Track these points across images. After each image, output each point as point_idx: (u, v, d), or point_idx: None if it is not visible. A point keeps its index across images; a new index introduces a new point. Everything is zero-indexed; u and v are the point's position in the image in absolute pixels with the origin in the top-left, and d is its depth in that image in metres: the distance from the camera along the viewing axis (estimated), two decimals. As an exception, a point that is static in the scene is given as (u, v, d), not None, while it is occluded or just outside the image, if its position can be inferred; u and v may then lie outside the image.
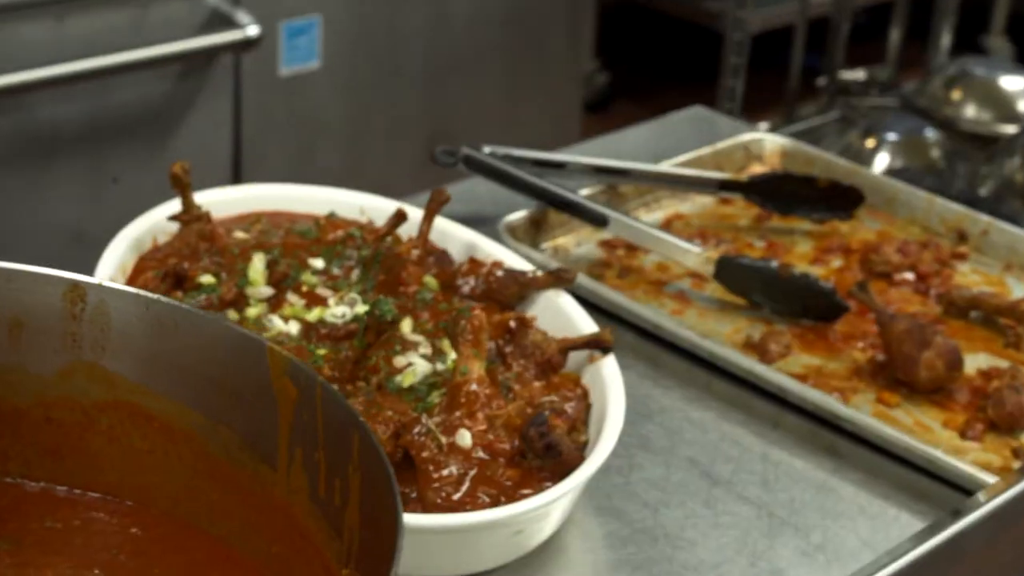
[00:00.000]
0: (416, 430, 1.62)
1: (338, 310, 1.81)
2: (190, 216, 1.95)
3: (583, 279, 2.07)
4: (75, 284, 1.32)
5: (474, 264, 1.95)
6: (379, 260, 1.84)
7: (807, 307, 2.09)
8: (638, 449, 1.83)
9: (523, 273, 1.91)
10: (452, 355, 1.78)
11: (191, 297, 1.83)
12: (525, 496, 1.60)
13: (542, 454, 1.62)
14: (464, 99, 3.91)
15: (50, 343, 1.33)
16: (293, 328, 1.80)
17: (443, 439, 1.62)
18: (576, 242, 2.26)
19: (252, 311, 1.83)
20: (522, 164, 2.29)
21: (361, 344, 1.71)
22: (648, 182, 2.35)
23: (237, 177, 3.53)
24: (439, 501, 1.58)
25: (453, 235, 2.01)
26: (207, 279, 1.84)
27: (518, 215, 2.21)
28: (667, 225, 2.34)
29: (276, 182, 2.12)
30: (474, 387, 1.68)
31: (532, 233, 2.22)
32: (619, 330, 2.01)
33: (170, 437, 1.33)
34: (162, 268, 1.86)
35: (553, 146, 2.54)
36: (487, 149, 2.27)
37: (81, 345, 1.33)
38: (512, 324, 1.80)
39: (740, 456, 1.84)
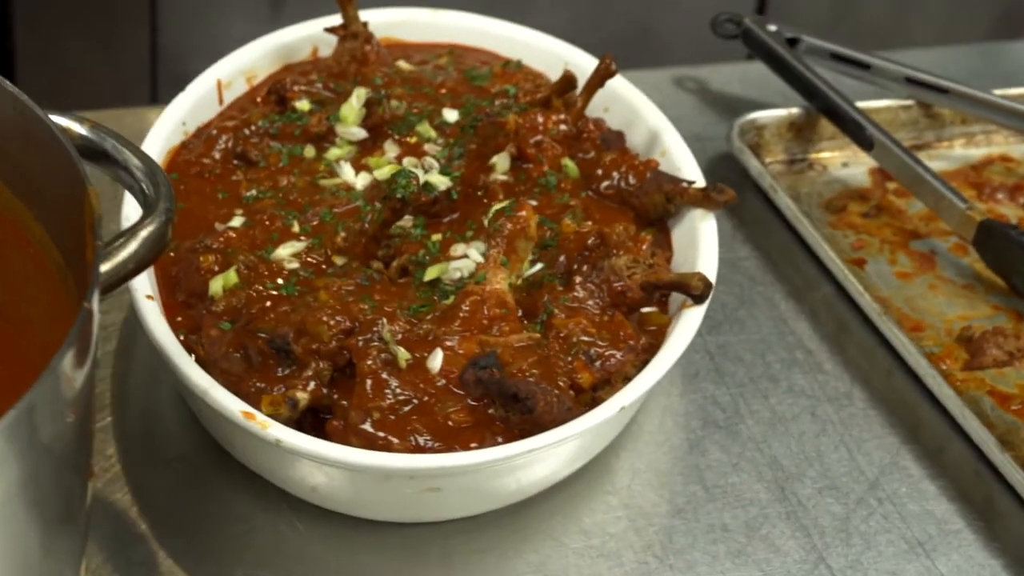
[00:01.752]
0: (367, 336, 1.33)
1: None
2: (347, 31, 1.71)
3: (783, 199, 1.67)
4: None
5: (624, 157, 1.59)
6: (474, 126, 1.52)
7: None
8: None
9: (674, 181, 1.54)
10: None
11: (284, 119, 1.60)
12: (462, 448, 1.29)
13: (506, 404, 1.30)
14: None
15: None
16: (362, 181, 1.54)
17: (404, 354, 1.33)
18: (843, 161, 1.83)
19: (334, 152, 1.58)
20: (814, 54, 1.87)
21: (378, 218, 1.42)
22: (970, 108, 1.85)
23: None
24: (363, 425, 1.30)
25: (642, 117, 1.66)
26: (303, 105, 1.61)
27: (770, 114, 1.82)
28: (982, 167, 1.85)
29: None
30: (480, 301, 1.37)
31: (786, 139, 1.82)
32: (799, 277, 1.62)
33: None
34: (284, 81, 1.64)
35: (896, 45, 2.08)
36: (772, 27, 1.87)
37: None
38: (591, 241, 1.45)
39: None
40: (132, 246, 1.21)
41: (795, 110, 1.82)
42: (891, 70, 1.87)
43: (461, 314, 1.37)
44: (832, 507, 1.40)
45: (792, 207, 1.67)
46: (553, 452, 1.33)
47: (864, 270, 1.66)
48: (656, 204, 1.55)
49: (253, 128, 1.59)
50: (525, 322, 1.41)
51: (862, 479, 1.42)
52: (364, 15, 1.77)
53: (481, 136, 1.51)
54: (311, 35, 1.74)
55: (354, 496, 1.33)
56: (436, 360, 1.33)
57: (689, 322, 1.40)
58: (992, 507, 1.42)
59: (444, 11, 1.81)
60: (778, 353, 1.55)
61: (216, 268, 1.43)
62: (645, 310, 1.45)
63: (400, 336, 1.35)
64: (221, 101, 1.66)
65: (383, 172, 1.53)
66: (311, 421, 1.33)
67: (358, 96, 1.59)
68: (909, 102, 1.86)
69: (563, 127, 1.61)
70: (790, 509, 1.39)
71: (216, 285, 1.41)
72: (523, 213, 1.41)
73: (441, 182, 1.51)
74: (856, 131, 1.75)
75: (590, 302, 1.42)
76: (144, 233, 1.23)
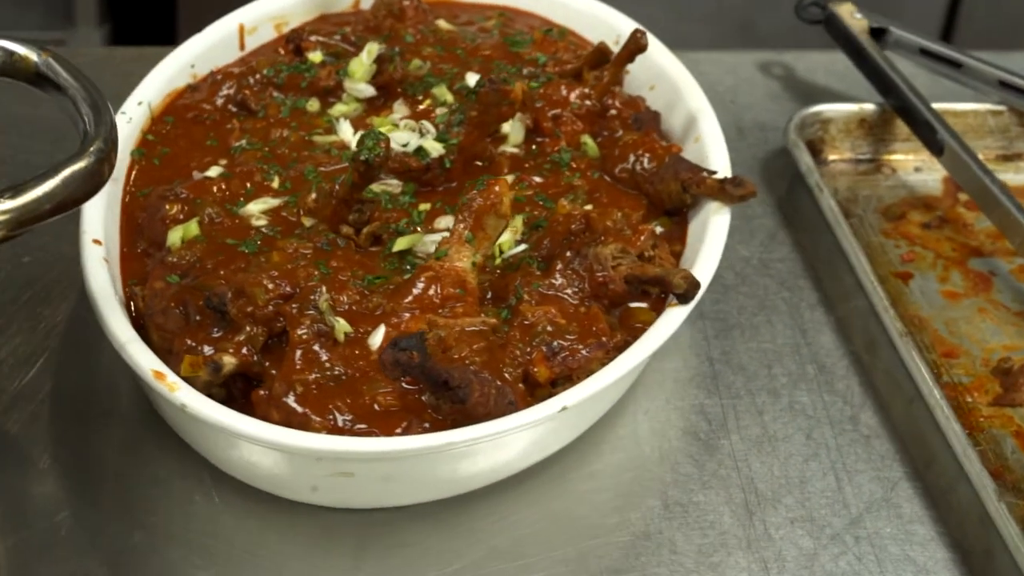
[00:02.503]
0: (305, 304, 1.25)
1: (403, 136, 1.43)
2: (386, -17, 1.63)
3: (826, 200, 1.53)
4: None
5: (644, 139, 1.48)
6: (476, 92, 1.42)
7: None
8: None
9: (693, 169, 1.42)
10: (503, 239, 1.36)
11: (292, 69, 1.53)
12: (385, 433, 1.20)
13: (436, 391, 1.20)
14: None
15: None
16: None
17: (344, 327, 1.24)
18: (916, 166, 1.68)
19: (339, 108, 1.50)
20: (901, 48, 1.72)
21: (348, 181, 1.34)
22: (1064, 118, 1.68)
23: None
24: (286, 398, 1.22)
25: (684, 99, 1.54)
26: (315, 56, 1.53)
27: (838, 108, 1.67)
28: (1066, 184, 1.68)
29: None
30: (435, 278, 1.28)
31: (854, 136, 1.68)
32: (834, 286, 1.49)
33: None
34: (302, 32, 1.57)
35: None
36: (858, 15, 1.72)
37: None
38: (574, 225, 1.34)
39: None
40: (49, 184, 1.15)
41: (868, 106, 1.67)
42: (984, 71, 1.70)
43: (414, 290, 1.27)
44: (802, 540, 1.26)
45: (834, 209, 1.53)
46: (485, 447, 1.22)
47: (908, 285, 1.51)
48: (671, 192, 1.43)
49: (258, 77, 1.51)
50: (490, 306, 1.31)
51: (844, 513, 1.29)
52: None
53: (483, 103, 1.41)
54: (354, -14, 1.66)
55: (266, 473, 1.24)
56: (377, 337, 1.24)
57: (667, 323, 1.29)
58: (991, 562, 1.26)
59: (498, -28, 1.71)
60: (787, 366, 1.42)
61: (181, 217, 1.36)
62: (634, 305, 1.33)
63: (347, 308, 1.26)
64: (243, 47, 1.59)
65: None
66: (242, 388, 1.25)
67: (369, 51, 1.50)
68: (1001, 107, 1.70)
69: (588, 103, 1.50)
70: (753, 538, 1.26)
71: (175, 235, 1.34)
72: (496, 188, 1.31)
73: (434, 149, 1.41)
74: (927, 133, 1.59)
75: (568, 290, 1.31)
76: (67, 172, 1.16)
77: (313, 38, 1.55)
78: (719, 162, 1.45)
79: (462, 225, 1.31)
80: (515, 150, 1.47)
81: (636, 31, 1.49)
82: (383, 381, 1.22)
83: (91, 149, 1.19)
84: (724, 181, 1.40)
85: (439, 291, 1.27)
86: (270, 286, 1.26)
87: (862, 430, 1.36)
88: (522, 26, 1.66)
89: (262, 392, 1.23)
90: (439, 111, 1.49)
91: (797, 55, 1.85)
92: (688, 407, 1.37)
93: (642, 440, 1.34)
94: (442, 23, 1.64)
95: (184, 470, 1.27)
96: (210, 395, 1.22)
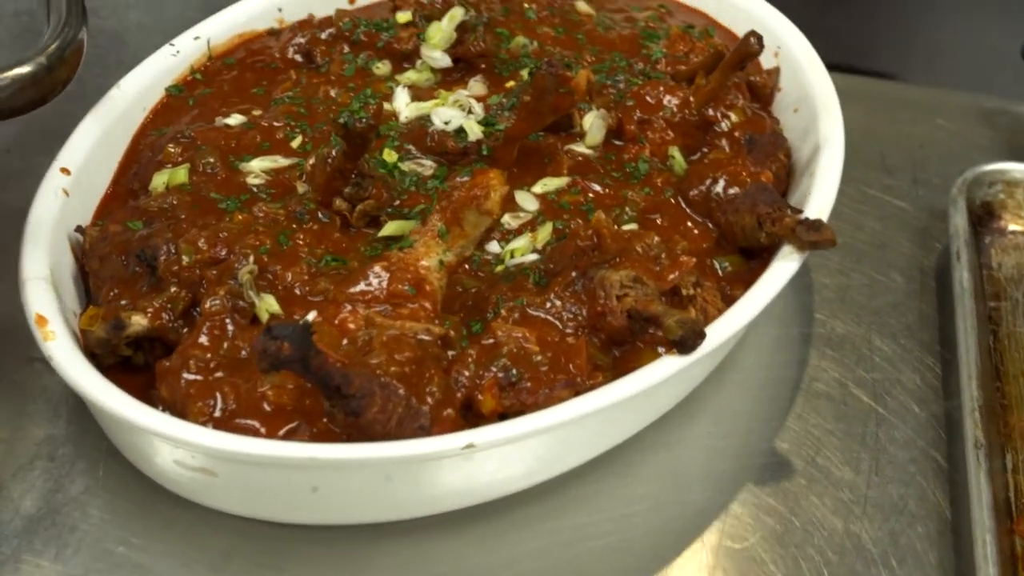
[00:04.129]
0: (220, 272, 1.10)
1: (447, 113, 1.25)
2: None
3: (960, 272, 1.25)
4: None
5: (730, 160, 1.24)
6: (531, 76, 1.22)
7: None
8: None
9: (773, 204, 1.18)
10: (519, 244, 1.17)
11: (372, 26, 1.38)
12: (268, 433, 1.03)
13: (330, 397, 1.02)
14: None
15: None
16: (410, 113, 1.28)
17: (270, 306, 1.09)
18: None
19: (409, 75, 1.34)
20: None
21: (340, 148, 1.16)
22: None
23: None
24: (183, 373, 1.06)
25: (816, 128, 1.29)
26: (404, 16, 1.37)
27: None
28: None
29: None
30: (388, 269, 1.10)
31: (1046, 204, 1.37)
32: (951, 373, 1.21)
33: None
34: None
35: None
36: (1093, 62, 1.42)
37: None
38: (581, 242, 1.13)
39: None
40: None
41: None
42: None
43: (363, 281, 1.09)
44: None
45: (964, 282, 1.24)
46: (359, 474, 1.03)
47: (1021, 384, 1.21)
48: (745, 227, 1.19)
49: (332, 30, 1.36)
50: (457, 315, 1.11)
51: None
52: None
53: (537, 88, 1.20)
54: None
55: (132, 450, 1.09)
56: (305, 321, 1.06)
57: (647, 374, 1.06)
58: None
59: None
60: (848, 452, 1.15)
61: (179, 160, 1.23)
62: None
63: (287, 287, 1.10)
64: (353, 0, 1.44)
65: (424, 107, 1.27)
66: (159, 356, 1.10)
67: (451, 17, 1.33)
68: None
69: (686, 111, 1.27)
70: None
71: (159, 179, 1.21)
72: (485, 180, 1.11)
73: (473, 131, 1.22)
74: None
75: (563, 315, 1.10)
76: (7, 75, 1.05)
77: (417, -5, 1.38)
78: (817, 202, 1.19)
79: (436, 216, 1.12)
80: (588, 151, 1.26)
81: (749, 34, 1.25)
82: (284, 376, 1.04)
83: (39, 56, 1.07)
84: (800, 222, 1.15)
85: (386, 286, 1.09)
86: (203, 246, 1.11)
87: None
88: (679, 21, 1.44)
89: (166, 363, 1.08)
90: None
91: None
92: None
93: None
94: (581, 4, 1.44)
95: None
96: (112, 355, 1.09)
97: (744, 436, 1.18)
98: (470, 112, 1.25)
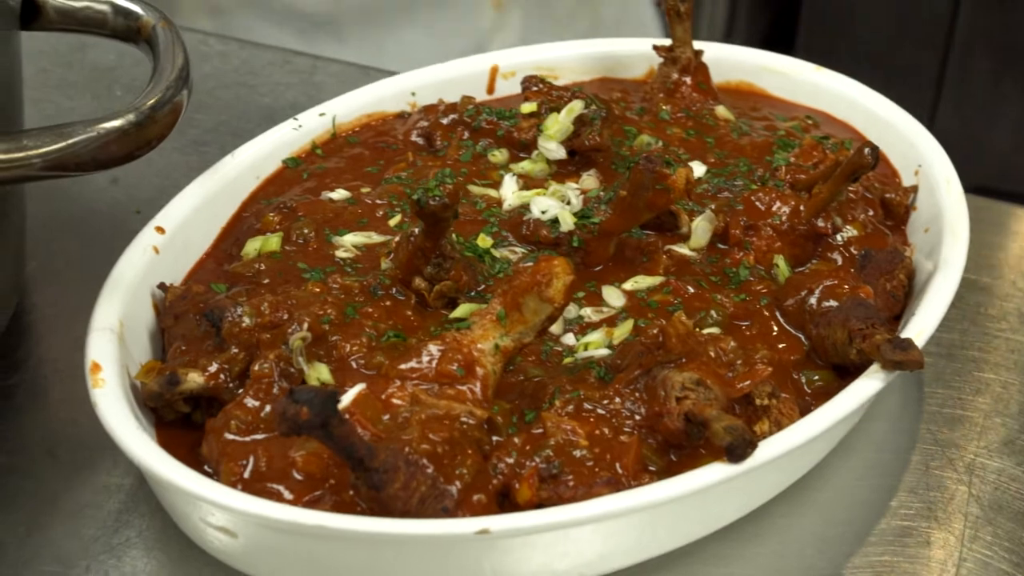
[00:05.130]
0: (273, 337, 1.09)
1: (544, 202, 1.23)
2: (669, 54, 1.43)
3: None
4: None
5: (833, 272, 1.19)
6: (630, 167, 1.18)
7: None
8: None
9: (867, 319, 1.12)
10: (593, 338, 1.14)
11: (495, 114, 1.36)
12: (295, 499, 1.02)
13: (354, 468, 1.00)
14: None
15: None
16: (513, 201, 1.27)
17: (321, 374, 1.08)
18: None
19: (524, 164, 1.32)
20: None
21: (421, 228, 1.15)
22: None
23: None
24: (226, 433, 1.07)
25: (942, 247, 1.22)
26: (528, 107, 1.36)
27: None
28: None
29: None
30: (443, 350, 1.08)
31: None
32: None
33: None
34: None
35: None
36: None
37: None
38: (646, 339, 1.09)
39: None
40: (73, 136, 1.08)
41: None
42: None
43: (416, 359, 1.08)
44: None
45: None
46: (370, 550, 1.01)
47: None
48: (836, 342, 1.13)
49: (455, 115, 1.36)
50: (511, 403, 1.08)
51: None
52: (736, 51, 1.47)
53: (634, 183, 1.17)
54: (645, 52, 1.46)
55: (169, 505, 1.09)
56: (348, 396, 1.05)
57: (682, 479, 1.01)
58: None
59: (829, 72, 1.45)
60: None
61: (276, 228, 1.24)
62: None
63: (343, 357, 1.09)
64: (491, 90, 1.44)
65: (526, 196, 1.26)
66: (216, 414, 1.11)
67: (569, 110, 1.31)
68: None
69: (795, 220, 1.22)
70: None
71: (252, 245, 1.23)
72: (550, 267, 1.08)
73: (566, 222, 1.20)
74: None
75: (622, 411, 1.06)
76: (96, 128, 1.09)
77: (535, 88, 1.36)
78: (918, 324, 1.13)
79: (497, 300, 1.10)
80: (691, 253, 1.22)
81: (862, 146, 1.19)
82: (319, 443, 1.03)
83: (130, 113, 1.10)
84: (888, 340, 1.09)
85: (435, 365, 1.07)
86: (266, 310, 1.11)
87: None
88: (824, 133, 1.39)
89: (213, 421, 1.08)
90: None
91: None
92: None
93: None
94: (721, 109, 1.41)
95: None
96: (171, 410, 1.10)
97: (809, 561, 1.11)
98: (568, 203, 1.23)
